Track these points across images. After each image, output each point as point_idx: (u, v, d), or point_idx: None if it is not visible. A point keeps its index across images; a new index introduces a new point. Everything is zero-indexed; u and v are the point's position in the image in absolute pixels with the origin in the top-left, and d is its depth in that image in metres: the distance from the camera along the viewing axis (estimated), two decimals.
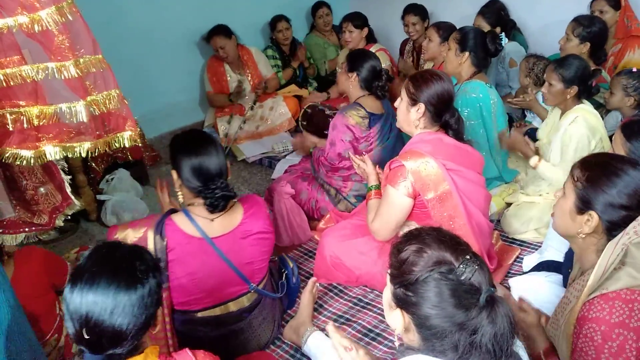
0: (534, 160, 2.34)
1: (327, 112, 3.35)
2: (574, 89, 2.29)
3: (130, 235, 1.62)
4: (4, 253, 1.74)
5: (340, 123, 2.54)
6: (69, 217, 1.96)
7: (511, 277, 2.15)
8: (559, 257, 1.97)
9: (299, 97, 4.01)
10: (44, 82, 1.33)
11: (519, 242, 2.47)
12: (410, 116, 1.95)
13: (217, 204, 1.62)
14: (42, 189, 1.77)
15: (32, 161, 1.40)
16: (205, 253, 1.66)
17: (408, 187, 1.86)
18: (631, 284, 1.21)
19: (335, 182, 2.68)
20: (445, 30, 3.04)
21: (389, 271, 1.09)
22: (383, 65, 2.70)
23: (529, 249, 2.40)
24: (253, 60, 3.87)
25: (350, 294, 2.17)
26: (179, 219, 1.68)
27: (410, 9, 3.69)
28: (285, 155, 3.53)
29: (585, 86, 2.31)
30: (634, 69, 2.52)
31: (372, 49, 3.37)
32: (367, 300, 2.13)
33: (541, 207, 2.46)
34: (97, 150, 1.43)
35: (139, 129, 1.54)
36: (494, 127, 2.59)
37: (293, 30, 4.15)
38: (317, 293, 2.09)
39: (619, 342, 1.17)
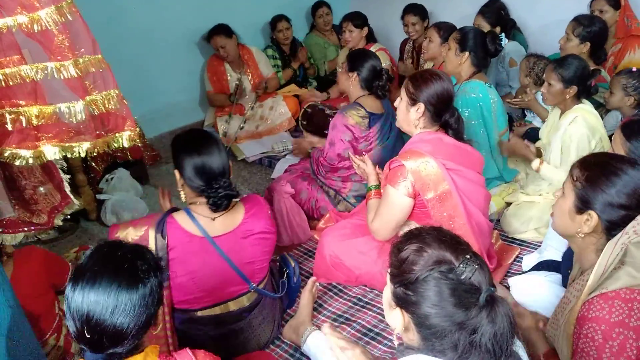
0: (535, 163, 2.34)
1: (327, 111, 3.36)
2: (573, 89, 2.29)
3: (131, 234, 1.62)
4: (3, 253, 1.74)
5: (340, 123, 2.54)
6: (69, 216, 1.96)
7: (511, 276, 2.15)
8: (559, 257, 1.97)
9: (299, 97, 4.01)
10: (44, 82, 1.33)
11: (518, 242, 2.47)
12: (410, 116, 1.95)
13: (220, 203, 1.62)
14: (41, 189, 1.77)
15: (31, 161, 1.40)
16: (206, 252, 1.67)
17: (408, 187, 1.86)
18: (631, 284, 1.21)
19: (335, 183, 2.68)
20: (446, 30, 3.04)
21: (389, 270, 1.09)
22: (383, 65, 2.70)
23: (528, 249, 2.40)
24: (253, 60, 3.87)
25: (350, 293, 2.17)
26: (180, 217, 1.68)
27: (410, 9, 3.69)
28: (285, 155, 3.53)
29: (584, 86, 2.31)
30: (634, 69, 2.51)
31: (372, 49, 3.37)
32: (366, 300, 2.13)
33: (541, 207, 2.46)
34: (96, 150, 1.43)
35: (138, 129, 1.54)
36: (494, 127, 2.59)
37: (293, 30, 4.15)
38: (316, 292, 2.09)
39: (619, 341, 1.17)
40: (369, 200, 2.13)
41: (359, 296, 2.15)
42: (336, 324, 2.00)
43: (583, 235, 1.33)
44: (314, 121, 3.33)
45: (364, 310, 2.07)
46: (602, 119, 2.47)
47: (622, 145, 1.74)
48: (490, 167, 2.61)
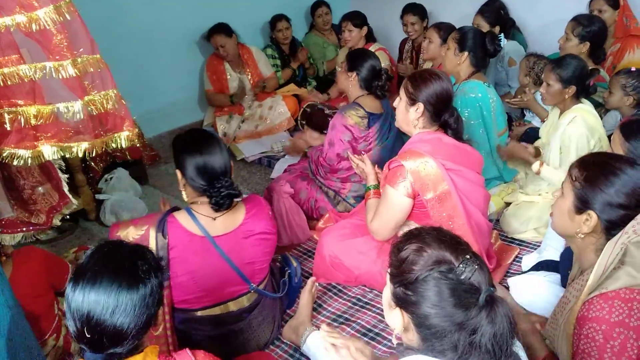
0: (535, 166, 2.34)
1: (327, 111, 3.36)
2: (572, 89, 2.29)
3: (132, 233, 1.62)
4: (2, 253, 1.74)
5: (339, 123, 2.54)
6: (68, 216, 1.96)
7: (510, 276, 2.16)
8: (558, 257, 1.97)
9: (298, 97, 4.01)
10: (42, 82, 1.33)
11: (518, 242, 2.47)
12: (409, 116, 1.95)
13: (223, 203, 1.62)
14: (40, 189, 1.77)
15: (29, 161, 1.40)
16: (206, 251, 1.66)
17: (407, 187, 1.86)
18: (630, 283, 1.21)
19: (334, 184, 2.68)
20: (446, 31, 3.03)
21: (388, 270, 1.09)
22: (382, 65, 2.70)
23: (528, 249, 2.40)
24: (253, 59, 3.87)
25: (350, 293, 2.17)
26: (181, 216, 1.68)
27: (409, 9, 3.69)
28: (285, 155, 3.53)
29: (583, 86, 2.31)
30: (633, 69, 2.51)
31: (372, 49, 3.37)
32: (366, 300, 2.13)
33: (540, 207, 2.46)
34: (94, 150, 1.43)
35: (137, 129, 1.54)
36: (494, 127, 2.59)
37: (292, 30, 4.14)
38: (316, 293, 2.09)
39: (620, 340, 1.17)
40: (367, 200, 2.13)
41: (359, 296, 2.15)
42: (335, 324, 2.00)
43: (583, 236, 1.33)
44: (314, 121, 3.33)
45: (363, 310, 2.07)
46: (601, 118, 2.47)
47: (621, 145, 1.74)
48: (489, 167, 2.61)
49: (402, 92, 1.99)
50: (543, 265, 2.05)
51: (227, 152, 1.70)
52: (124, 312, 1.03)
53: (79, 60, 1.32)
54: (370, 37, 3.73)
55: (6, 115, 1.36)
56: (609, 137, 2.06)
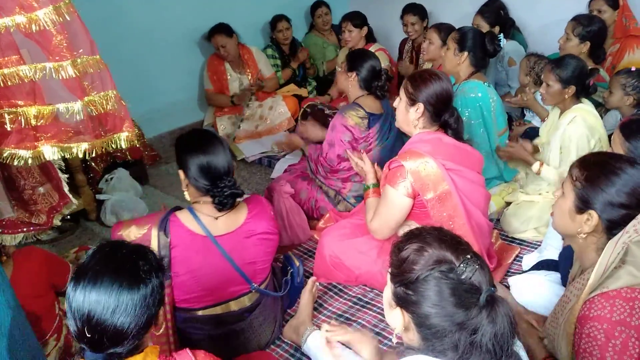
0: (536, 166, 2.34)
1: (327, 111, 3.35)
2: (572, 89, 2.29)
3: (134, 232, 1.62)
4: (3, 253, 1.74)
5: (339, 123, 2.54)
6: (68, 217, 1.96)
7: (511, 276, 2.16)
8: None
9: (298, 97, 4.01)
10: (42, 82, 1.33)
11: (518, 241, 2.47)
12: (409, 116, 1.95)
13: (226, 202, 1.63)
14: (40, 189, 1.77)
15: (29, 161, 1.40)
16: (208, 251, 1.67)
17: (407, 188, 1.86)
18: (631, 283, 1.21)
19: (335, 183, 2.68)
20: (446, 32, 3.03)
21: (389, 270, 1.09)
22: (382, 65, 2.70)
23: (528, 248, 2.40)
24: (253, 60, 3.87)
25: (350, 293, 2.17)
26: (183, 216, 1.68)
27: (409, 9, 3.69)
28: (285, 155, 3.53)
29: (582, 86, 2.31)
30: (633, 68, 2.51)
31: (372, 49, 3.37)
32: (366, 300, 2.13)
33: (541, 206, 2.46)
34: (94, 151, 1.43)
35: (136, 130, 1.54)
36: (494, 127, 2.59)
37: (292, 30, 4.14)
38: (316, 292, 2.09)
39: (621, 339, 1.17)
40: (367, 199, 2.12)
41: (359, 296, 2.15)
42: (336, 323, 2.00)
43: (584, 235, 1.33)
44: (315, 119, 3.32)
45: (364, 310, 2.07)
46: (602, 118, 2.46)
47: (621, 145, 1.74)
48: (490, 167, 2.61)
49: (402, 92, 1.99)
50: (543, 265, 2.05)
51: (230, 152, 1.70)
52: (124, 312, 1.03)
53: (79, 61, 1.32)
54: (370, 38, 3.73)
55: (6, 116, 1.36)
56: (609, 136, 2.06)
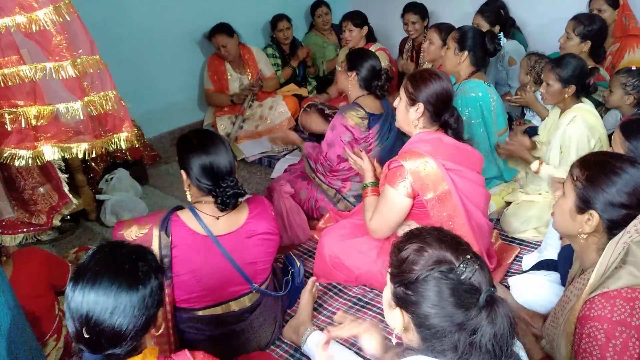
0: (535, 165, 2.34)
1: (327, 111, 3.35)
2: (572, 88, 2.29)
3: (135, 231, 1.62)
4: (2, 254, 1.74)
5: (339, 123, 2.54)
6: (68, 217, 1.96)
7: (511, 276, 2.15)
8: None
9: (298, 97, 4.01)
10: (42, 82, 1.33)
11: (518, 241, 2.47)
12: (410, 116, 1.95)
13: (229, 202, 1.63)
14: (40, 189, 1.77)
15: (30, 161, 1.40)
16: (209, 250, 1.67)
17: (407, 188, 1.86)
18: (632, 283, 1.21)
19: (334, 183, 2.67)
20: (447, 32, 3.02)
21: (389, 270, 1.09)
22: (382, 65, 2.70)
23: (528, 248, 2.40)
24: (254, 60, 3.87)
25: (350, 293, 2.17)
26: (184, 215, 1.69)
27: (410, 8, 3.69)
28: (285, 155, 3.53)
29: (583, 85, 2.31)
30: (633, 67, 2.51)
31: (372, 49, 3.37)
32: (366, 300, 2.13)
33: (541, 206, 2.46)
34: (94, 151, 1.43)
35: (136, 130, 1.54)
36: (494, 126, 2.59)
37: (293, 30, 4.14)
38: (316, 292, 2.09)
39: (622, 340, 1.17)
40: (365, 198, 2.12)
41: (359, 296, 2.15)
42: (336, 324, 2.00)
43: (585, 235, 1.33)
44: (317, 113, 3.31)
45: (364, 310, 2.07)
46: (602, 117, 2.46)
47: (621, 145, 1.74)
48: (490, 167, 2.61)
49: (402, 92, 1.98)
50: (543, 265, 2.05)
51: (232, 151, 1.70)
52: (122, 313, 1.03)
53: (79, 61, 1.32)
54: (370, 37, 3.72)
55: (7, 116, 1.36)
56: (610, 136, 2.06)
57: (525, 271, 2.16)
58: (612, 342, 1.17)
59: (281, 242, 2.49)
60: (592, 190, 1.28)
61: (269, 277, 1.85)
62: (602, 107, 2.75)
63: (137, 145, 1.63)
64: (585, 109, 2.32)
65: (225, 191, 1.61)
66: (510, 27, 3.62)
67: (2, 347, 1.26)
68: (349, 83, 2.59)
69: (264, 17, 4.20)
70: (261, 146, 3.65)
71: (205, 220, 1.67)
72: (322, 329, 1.91)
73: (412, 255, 1.03)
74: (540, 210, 2.45)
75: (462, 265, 0.98)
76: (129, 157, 3.13)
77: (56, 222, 1.81)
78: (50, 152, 1.41)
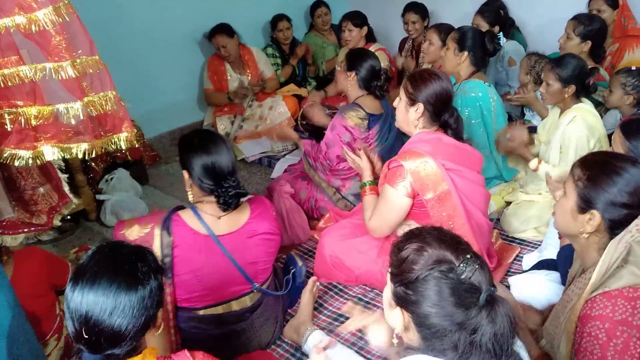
0: (533, 163, 2.34)
1: (327, 111, 3.35)
2: (572, 88, 2.29)
3: (136, 231, 1.63)
4: (3, 253, 1.74)
5: (339, 124, 2.54)
6: (69, 217, 1.96)
7: (511, 275, 2.16)
8: None
9: (298, 97, 4.01)
10: (42, 83, 1.33)
11: (518, 241, 2.47)
12: (409, 116, 1.95)
13: (231, 202, 1.63)
14: (41, 189, 1.77)
15: (30, 161, 1.40)
16: (210, 250, 1.67)
17: (407, 187, 1.86)
18: (634, 282, 1.21)
19: (334, 181, 2.67)
20: (446, 33, 3.02)
21: (389, 270, 1.09)
22: (382, 65, 2.69)
23: (528, 248, 2.40)
24: (254, 60, 3.87)
25: (350, 293, 2.17)
26: (186, 215, 1.69)
27: (411, 7, 3.69)
28: (285, 155, 3.53)
29: (582, 85, 2.31)
30: (633, 67, 2.51)
31: (372, 49, 3.37)
32: (367, 299, 2.13)
33: (541, 206, 2.46)
34: (94, 151, 1.43)
35: (136, 130, 1.54)
36: (494, 126, 2.59)
37: (293, 30, 4.14)
38: (317, 292, 2.09)
39: (623, 339, 1.17)
40: (364, 197, 2.12)
41: (359, 296, 2.15)
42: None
43: (586, 235, 1.33)
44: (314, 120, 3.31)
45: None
46: (601, 117, 2.46)
47: (621, 144, 1.74)
48: (489, 167, 2.61)
49: (401, 92, 1.98)
50: (544, 264, 2.05)
51: (233, 152, 1.71)
52: (122, 314, 1.03)
53: (78, 61, 1.32)
54: (370, 37, 3.72)
55: (6, 116, 1.36)
56: (609, 136, 2.06)
57: (526, 271, 2.16)
58: (612, 341, 1.17)
59: (281, 242, 2.50)
60: (594, 190, 1.28)
61: (270, 277, 1.85)
62: (601, 107, 2.75)
63: (137, 146, 1.63)
64: (585, 109, 2.32)
65: (227, 191, 1.61)
66: (510, 28, 3.62)
67: (3, 347, 1.26)
68: (349, 83, 2.58)
69: (264, 17, 4.20)
70: (261, 146, 3.65)
71: (207, 220, 1.67)
72: (322, 329, 1.92)
73: (412, 255, 1.03)
74: (540, 210, 2.45)
75: (462, 265, 0.98)
76: (129, 157, 3.14)
77: (56, 222, 1.81)
78: (50, 153, 1.41)
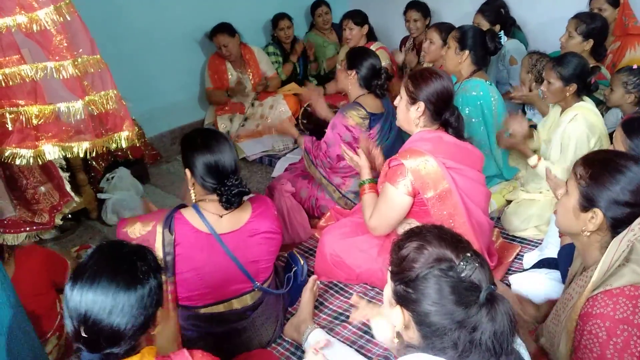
0: (533, 159, 2.34)
1: None
2: (573, 87, 2.29)
3: (138, 229, 1.63)
4: (4, 252, 1.74)
5: (340, 123, 2.54)
6: (70, 215, 1.96)
7: (511, 274, 2.16)
8: None
9: (299, 96, 4.01)
10: (43, 82, 1.33)
11: (519, 240, 2.47)
12: (410, 115, 1.95)
13: (234, 201, 1.64)
14: (42, 188, 1.77)
15: (31, 160, 1.40)
16: (211, 248, 1.68)
17: (407, 186, 1.86)
18: (635, 281, 1.21)
19: (334, 179, 2.68)
20: (447, 32, 3.02)
21: (389, 268, 1.09)
22: (383, 64, 2.69)
23: (529, 246, 2.40)
24: (255, 59, 3.87)
25: (351, 291, 2.17)
26: (188, 213, 1.69)
27: (413, 5, 3.69)
28: (286, 154, 3.53)
29: (584, 84, 2.30)
30: (635, 66, 2.51)
31: (372, 47, 3.36)
32: (367, 298, 2.13)
33: (541, 205, 2.46)
34: (95, 150, 1.43)
35: (137, 129, 1.54)
36: (494, 125, 2.59)
37: (294, 29, 4.14)
38: (317, 291, 2.10)
39: (623, 337, 1.17)
40: (363, 195, 2.12)
41: (360, 294, 2.15)
42: (337, 322, 2.01)
43: (588, 234, 1.32)
44: (314, 119, 3.32)
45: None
46: (603, 116, 2.46)
47: (623, 143, 1.74)
48: (490, 165, 2.61)
49: (402, 91, 1.99)
50: (544, 263, 2.05)
51: (235, 150, 1.71)
52: (121, 313, 1.04)
53: (79, 60, 1.32)
54: (371, 36, 3.72)
55: (8, 115, 1.36)
56: (611, 134, 2.06)
57: (526, 269, 2.16)
58: (612, 339, 1.17)
59: (282, 241, 2.50)
60: (596, 189, 1.28)
61: (271, 276, 1.86)
62: (603, 106, 2.75)
63: (138, 144, 1.63)
64: (586, 108, 2.32)
65: (230, 189, 1.62)
66: (511, 26, 3.61)
67: (4, 345, 1.27)
68: (349, 82, 2.58)
69: (265, 16, 4.20)
70: (262, 145, 3.65)
71: (209, 218, 1.68)
72: (323, 327, 1.92)
73: (413, 253, 1.03)
74: (541, 208, 2.45)
75: (462, 263, 0.98)
76: (130, 156, 3.14)
77: (58, 221, 1.81)
78: (52, 152, 1.41)
